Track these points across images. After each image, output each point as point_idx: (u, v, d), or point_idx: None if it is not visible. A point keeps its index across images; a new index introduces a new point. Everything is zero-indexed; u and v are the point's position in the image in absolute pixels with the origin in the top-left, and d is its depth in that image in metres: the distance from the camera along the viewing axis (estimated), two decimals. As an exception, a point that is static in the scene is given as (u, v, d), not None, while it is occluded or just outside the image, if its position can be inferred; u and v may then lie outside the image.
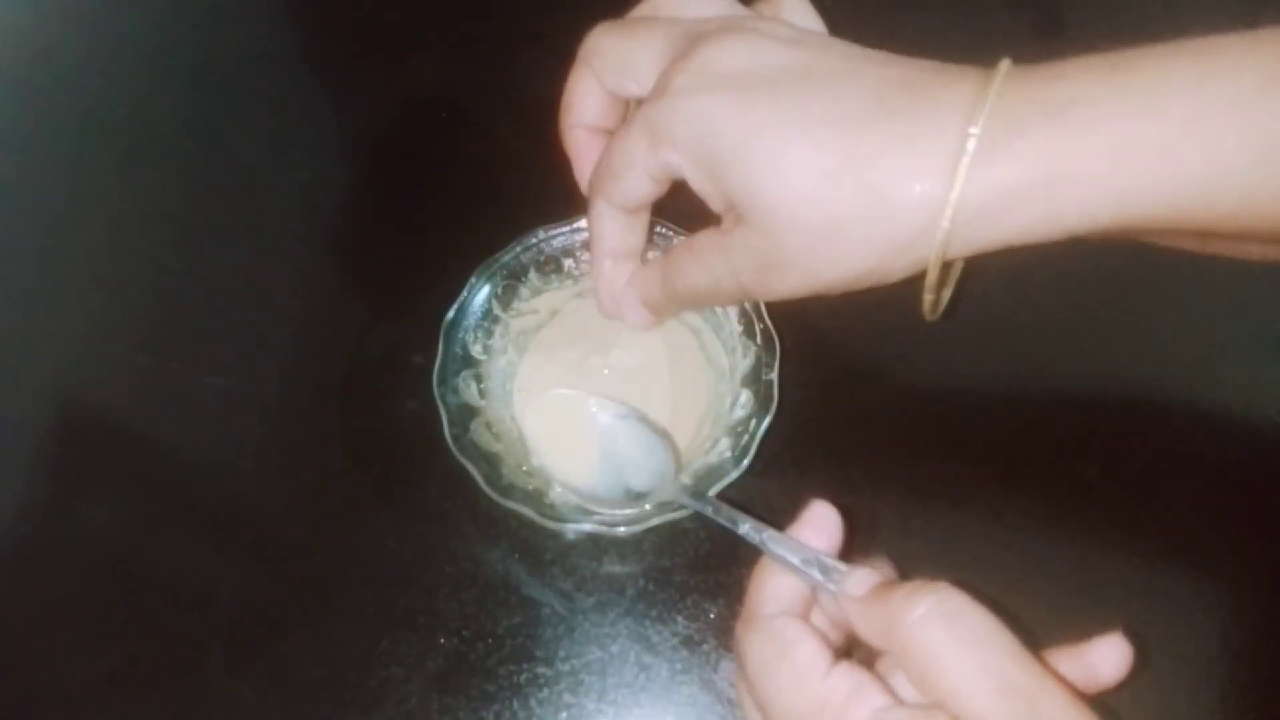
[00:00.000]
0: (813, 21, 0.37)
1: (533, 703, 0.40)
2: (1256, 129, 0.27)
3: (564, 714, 0.40)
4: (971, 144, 0.28)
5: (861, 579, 0.30)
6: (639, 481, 0.40)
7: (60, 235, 0.53)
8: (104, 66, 0.58)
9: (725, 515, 0.35)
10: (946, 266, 0.32)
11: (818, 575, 0.31)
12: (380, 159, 0.54)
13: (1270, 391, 0.46)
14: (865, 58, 0.33)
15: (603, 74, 0.36)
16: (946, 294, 0.34)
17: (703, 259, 0.34)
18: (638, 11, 0.38)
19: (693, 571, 0.42)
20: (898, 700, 0.27)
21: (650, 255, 0.41)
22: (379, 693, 0.40)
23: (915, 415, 0.45)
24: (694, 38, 0.34)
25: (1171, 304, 0.48)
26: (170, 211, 0.53)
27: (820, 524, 0.33)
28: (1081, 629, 0.41)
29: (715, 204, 0.34)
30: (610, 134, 0.38)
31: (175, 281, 0.51)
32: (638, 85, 0.35)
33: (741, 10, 0.36)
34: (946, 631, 0.27)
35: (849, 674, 0.28)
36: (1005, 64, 0.30)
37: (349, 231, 0.52)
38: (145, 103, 0.57)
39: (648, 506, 0.38)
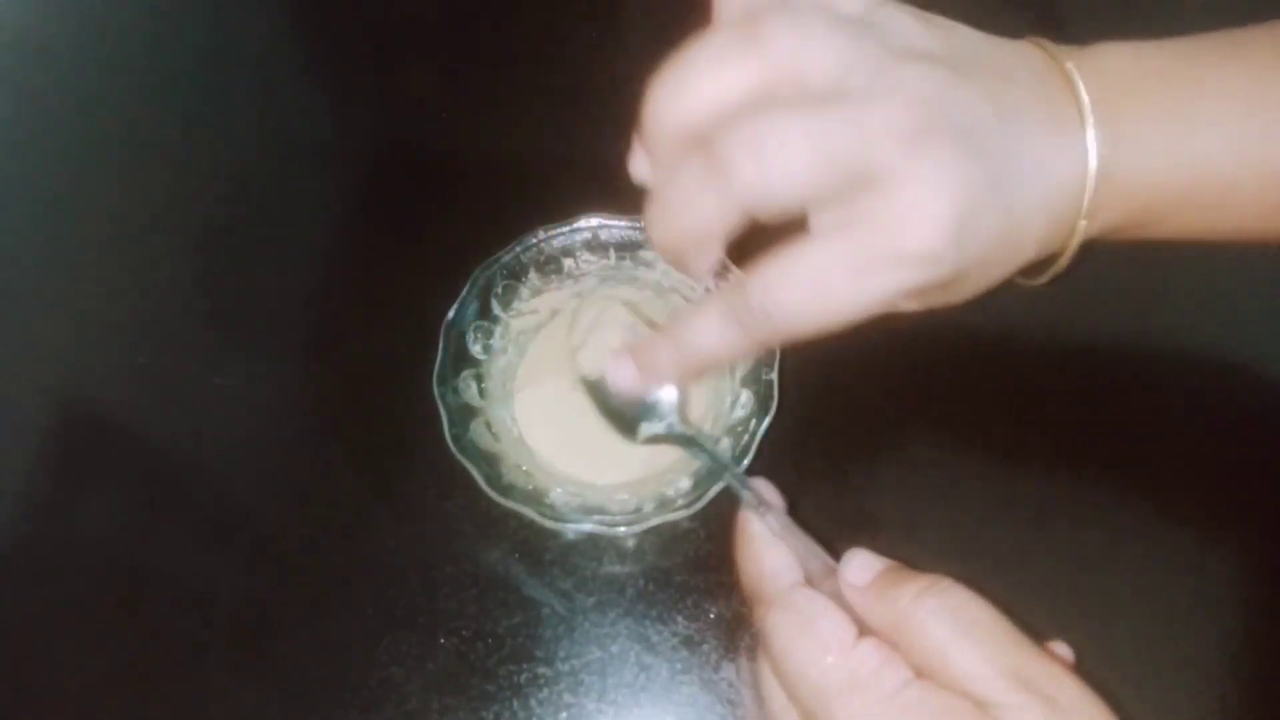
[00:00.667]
0: None
1: (533, 703, 0.40)
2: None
3: (564, 714, 0.40)
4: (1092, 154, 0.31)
5: (861, 567, 0.30)
6: (651, 426, 0.39)
7: (60, 235, 0.53)
8: (103, 67, 0.58)
9: (738, 477, 0.35)
10: None
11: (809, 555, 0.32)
12: (380, 159, 0.54)
13: (1273, 389, 0.46)
14: (973, 40, 0.33)
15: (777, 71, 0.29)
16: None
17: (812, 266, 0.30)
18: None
19: (693, 572, 0.42)
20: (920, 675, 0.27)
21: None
22: (379, 693, 0.40)
23: (916, 415, 0.45)
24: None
25: (1172, 304, 0.48)
26: (170, 212, 0.53)
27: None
28: (1082, 629, 0.41)
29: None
30: None
31: (175, 281, 0.51)
32: None
33: None
34: (953, 626, 0.27)
35: (877, 646, 0.28)
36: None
37: (349, 231, 0.52)
38: (145, 104, 0.57)
39: (650, 505, 0.38)
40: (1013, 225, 0.30)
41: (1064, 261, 0.34)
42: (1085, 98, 0.31)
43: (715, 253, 0.31)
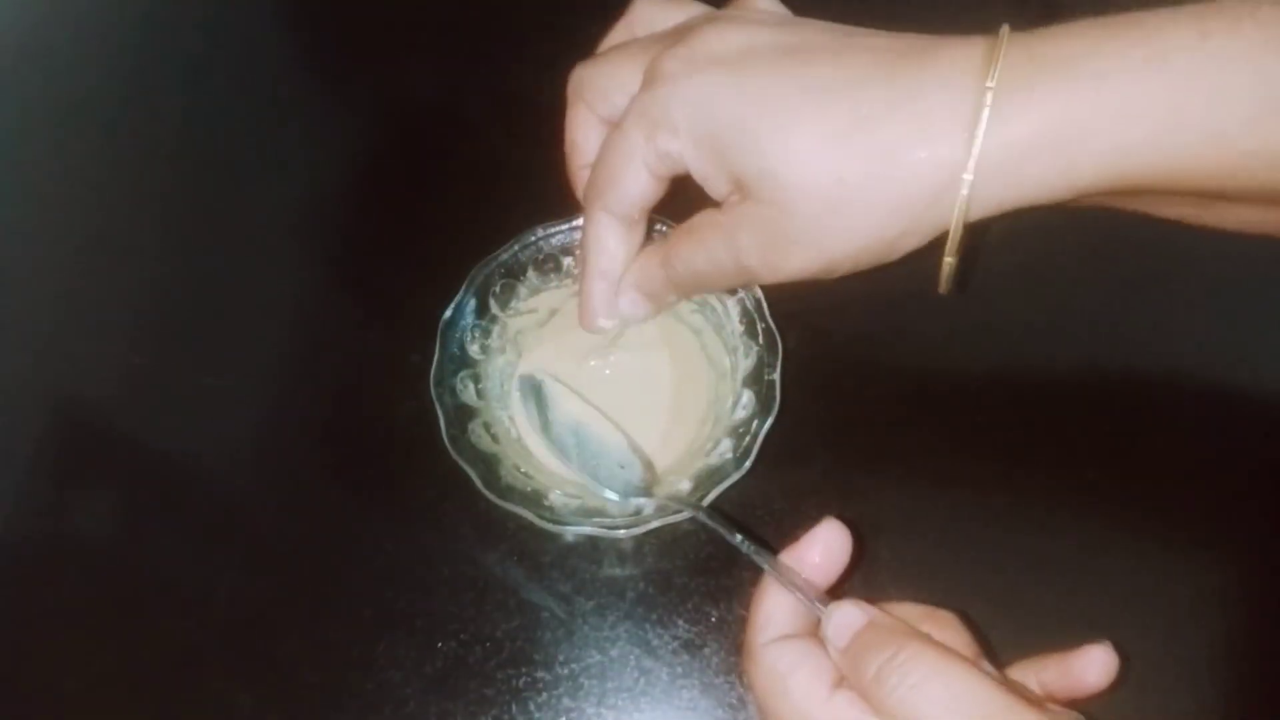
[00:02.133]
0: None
1: (531, 707, 0.40)
2: (1257, 85, 0.27)
3: (563, 718, 0.40)
4: (989, 97, 0.28)
5: (842, 627, 0.30)
6: (611, 485, 0.39)
7: (59, 235, 0.53)
8: (100, 67, 0.58)
9: (719, 522, 0.35)
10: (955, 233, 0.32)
11: (801, 597, 0.31)
12: (377, 158, 0.54)
13: (1274, 388, 0.45)
14: (862, 33, 0.32)
15: (595, 103, 0.36)
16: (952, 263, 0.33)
17: (704, 241, 0.34)
18: (611, 38, 0.38)
19: (693, 574, 0.42)
20: None
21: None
22: (376, 696, 0.40)
23: (918, 416, 0.45)
24: (679, 31, 0.33)
25: (1173, 304, 0.48)
26: (168, 212, 0.53)
27: (827, 545, 0.32)
28: (1082, 629, 0.41)
29: (718, 188, 0.33)
30: None
31: (173, 282, 0.51)
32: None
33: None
34: (915, 699, 0.27)
35: (847, 701, 0.29)
36: (1006, 28, 0.30)
37: (346, 231, 0.52)
38: (142, 103, 0.57)
39: (646, 509, 0.38)
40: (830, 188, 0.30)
41: (953, 243, 0.31)
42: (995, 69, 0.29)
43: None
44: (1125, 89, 0.28)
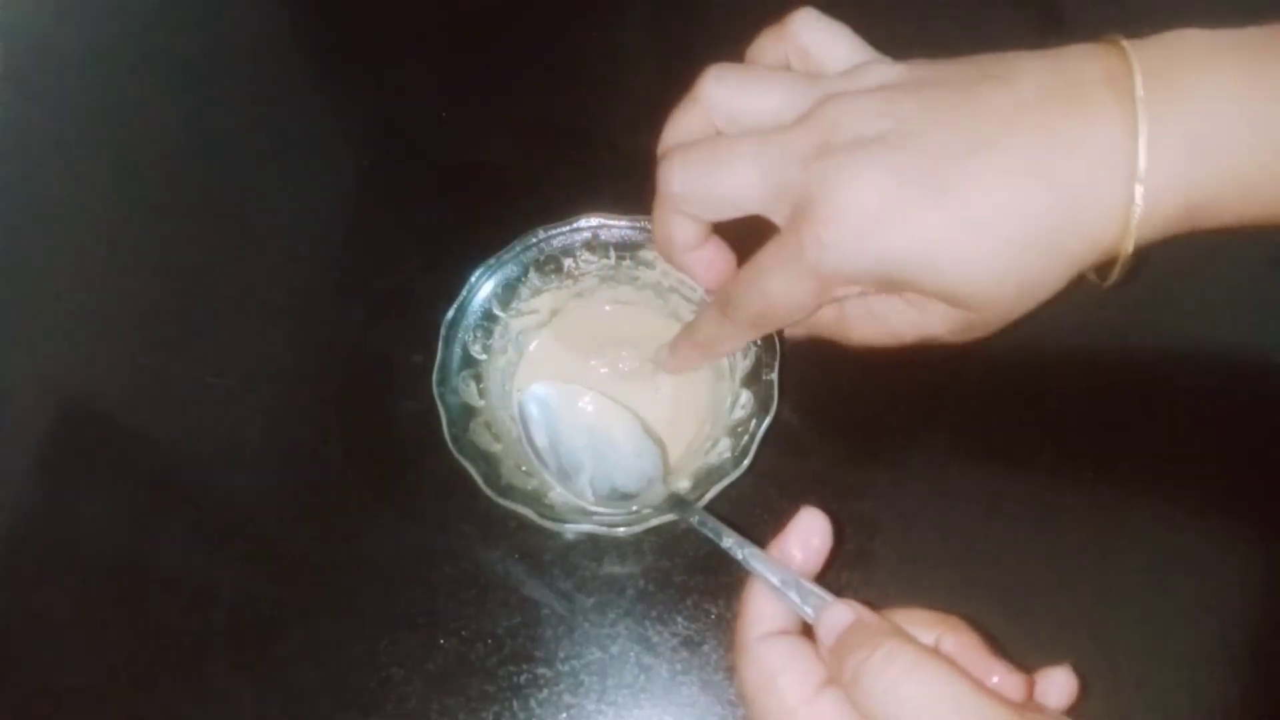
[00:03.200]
0: (837, 33, 0.37)
1: (532, 703, 0.40)
2: None
3: (564, 715, 0.40)
4: (1141, 137, 0.30)
5: (831, 626, 0.30)
6: (626, 482, 0.39)
7: (60, 236, 0.53)
8: (102, 68, 0.58)
9: (710, 528, 0.35)
10: None
11: (795, 598, 0.31)
12: (379, 159, 0.54)
13: (1275, 388, 0.45)
14: (978, 94, 0.33)
15: (716, 115, 0.36)
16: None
17: (901, 317, 0.36)
18: (758, 49, 0.38)
19: (693, 572, 0.42)
20: None
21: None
22: (379, 693, 0.40)
23: (916, 416, 0.45)
24: (814, 124, 0.34)
25: (1173, 302, 0.48)
26: (169, 212, 0.53)
27: (807, 534, 0.33)
28: (1081, 628, 0.41)
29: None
30: None
31: (175, 281, 0.51)
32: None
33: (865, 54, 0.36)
34: (892, 695, 0.28)
35: (833, 700, 0.29)
36: (1127, 45, 0.31)
37: (349, 231, 0.52)
38: (144, 103, 0.57)
39: (634, 509, 0.38)
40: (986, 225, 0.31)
41: (1124, 256, 0.32)
42: (1139, 90, 0.30)
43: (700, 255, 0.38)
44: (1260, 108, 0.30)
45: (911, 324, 0.36)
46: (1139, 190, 0.30)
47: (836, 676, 0.30)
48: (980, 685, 0.28)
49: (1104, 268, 0.33)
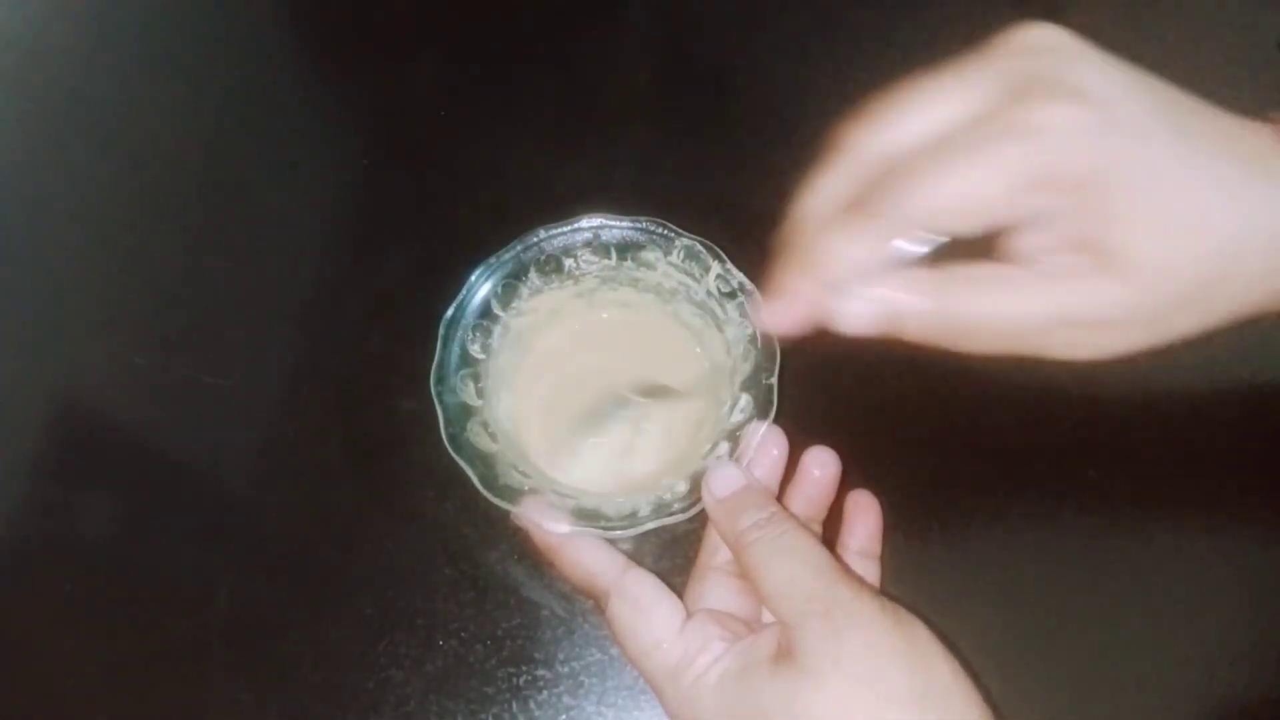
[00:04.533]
0: None
1: (532, 705, 0.40)
2: None
3: (563, 717, 0.40)
4: None
5: (722, 481, 0.35)
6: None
7: (59, 235, 0.53)
8: (100, 68, 0.58)
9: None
10: None
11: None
12: (379, 158, 0.54)
13: (1276, 388, 0.45)
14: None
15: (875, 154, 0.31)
16: None
17: (1017, 290, 0.30)
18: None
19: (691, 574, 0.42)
20: (732, 643, 0.33)
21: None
22: (377, 695, 0.40)
23: (916, 419, 0.45)
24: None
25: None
26: (169, 212, 0.53)
27: (767, 447, 0.38)
28: (1081, 628, 0.41)
29: (1044, 242, 0.30)
30: None
31: (174, 281, 0.51)
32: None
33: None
34: (766, 551, 0.33)
35: (697, 630, 0.33)
36: None
37: (348, 231, 0.52)
38: (144, 103, 0.57)
39: (642, 511, 0.38)
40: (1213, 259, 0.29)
41: None
42: None
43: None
44: None
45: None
46: None
47: (726, 525, 0.35)
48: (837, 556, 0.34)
49: None
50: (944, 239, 0.30)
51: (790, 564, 0.32)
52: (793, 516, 0.34)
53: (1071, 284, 0.30)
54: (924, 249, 0.30)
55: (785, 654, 0.31)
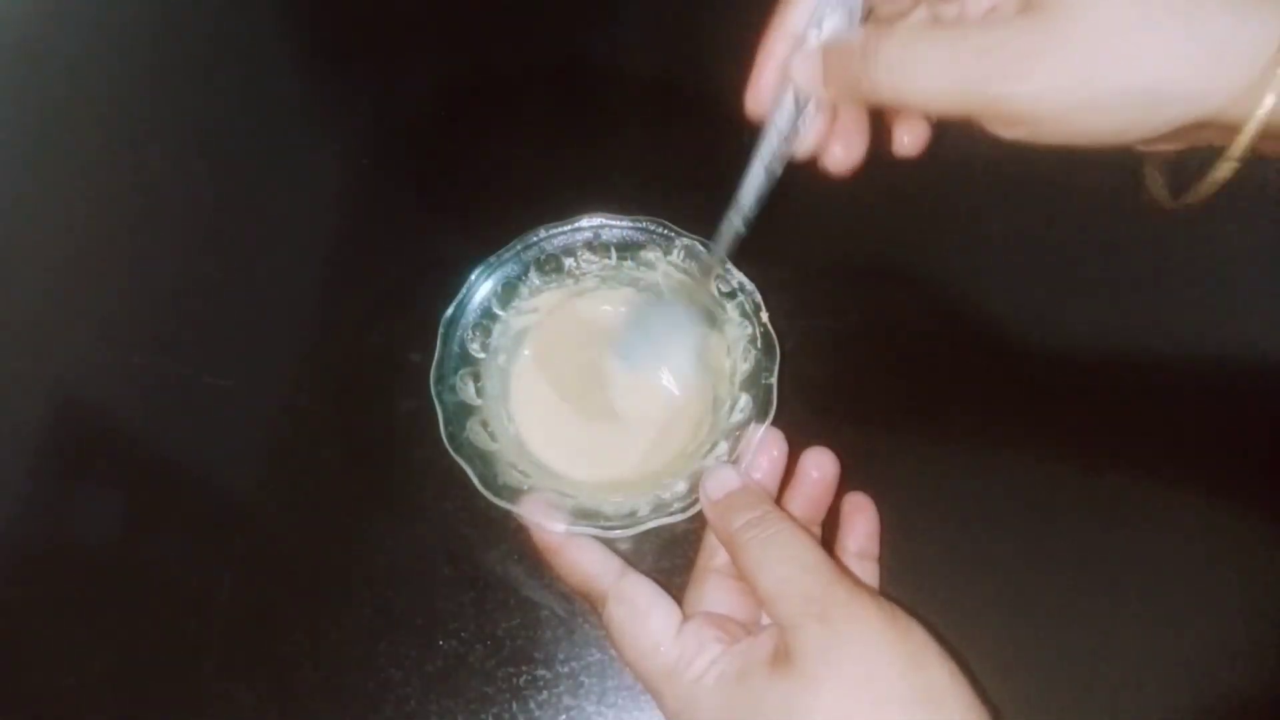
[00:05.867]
0: None
1: (532, 705, 0.40)
2: None
3: (563, 717, 0.40)
4: None
5: (717, 484, 0.36)
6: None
7: (59, 236, 0.53)
8: (100, 69, 0.58)
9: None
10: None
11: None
12: (380, 158, 0.54)
13: (1276, 388, 0.45)
14: None
15: None
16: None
17: (939, 39, 0.31)
18: None
19: (691, 574, 0.42)
20: (729, 645, 0.33)
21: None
22: (377, 695, 0.40)
23: (914, 419, 0.45)
24: None
25: (1175, 304, 0.48)
26: (169, 212, 0.53)
27: (768, 447, 0.39)
28: (1081, 628, 0.41)
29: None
30: None
31: (174, 282, 0.51)
32: None
33: None
34: (760, 552, 0.33)
35: (694, 633, 0.33)
36: None
37: (349, 231, 0.52)
38: (144, 104, 0.57)
39: (641, 510, 0.38)
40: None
41: (1246, 139, 0.29)
42: None
43: None
44: None
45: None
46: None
47: (721, 526, 0.35)
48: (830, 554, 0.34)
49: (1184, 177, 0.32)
50: None
51: (785, 565, 0.32)
52: (788, 516, 0.34)
53: (1002, 23, 0.30)
54: None
55: (782, 656, 0.31)
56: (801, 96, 0.34)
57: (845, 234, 0.49)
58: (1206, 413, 0.44)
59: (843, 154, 0.36)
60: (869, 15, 0.35)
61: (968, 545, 0.42)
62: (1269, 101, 0.28)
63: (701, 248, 0.42)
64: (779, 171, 0.36)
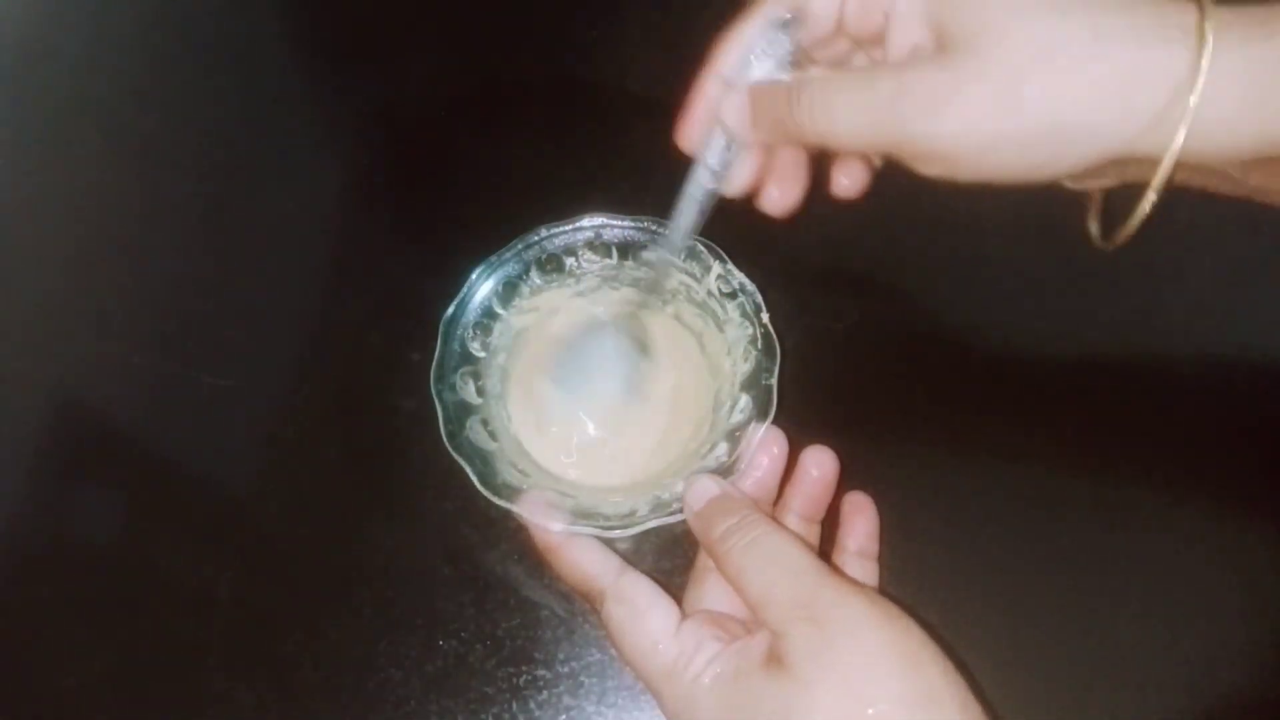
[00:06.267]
0: None
1: (532, 705, 0.40)
2: None
3: (563, 717, 0.40)
4: (1209, 33, 0.28)
5: (697, 495, 0.36)
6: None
7: (59, 236, 0.53)
8: (99, 68, 0.58)
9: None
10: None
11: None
12: (380, 157, 0.54)
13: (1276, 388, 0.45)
14: None
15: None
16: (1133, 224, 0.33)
17: (859, 83, 0.32)
18: None
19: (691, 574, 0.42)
20: (728, 644, 0.33)
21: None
22: (377, 695, 0.40)
23: (914, 419, 0.45)
24: None
25: (1175, 304, 0.48)
26: (167, 211, 0.53)
27: (768, 444, 0.39)
28: (1081, 627, 0.41)
29: (905, 32, 0.33)
30: None
31: (174, 281, 0.51)
32: None
33: None
34: (742, 558, 0.33)
35: (693, 631, 0.33)
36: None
37: (349, 230, 0.52)
38: (141, 104, 0.57)
39: (641, 510, 0.38)
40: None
41: (1161, 178, 0.30)
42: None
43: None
44: None
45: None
46: (1192, 100, 0.29)
47: (703, 536, 0.35)
48: (813, 550, 0.33)
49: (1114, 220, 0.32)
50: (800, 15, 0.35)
51: (770, 569, 0.32)
52: (769, 520, 0.34)
53: (916, 64, 0.32)
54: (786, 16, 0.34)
55: (776, 659, 0.31)
56: (730, 137, 0.36)
57: (846, 235, 0.49)
58: (1206, 413, 0.44)
59: (778, 195, 0.38)
60: (800, 61, 0.36)
61: (968, 545, 0.42)
62: (1181, 135, 0.29)
63: (702, 248, 0.42)
64: (709, 207, 0.38)
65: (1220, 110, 0.29)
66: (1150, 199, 0.31)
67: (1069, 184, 0.35)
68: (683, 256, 0.41)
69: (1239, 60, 0.29)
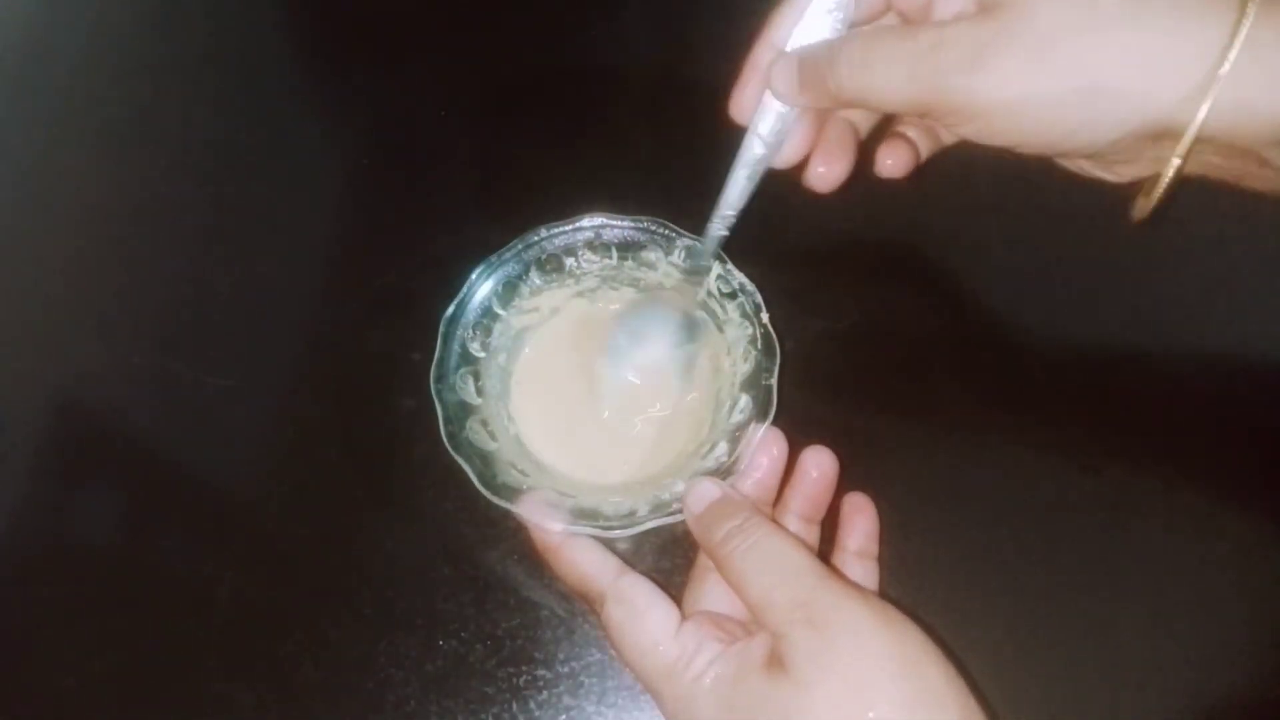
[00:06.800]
0: None
1: (532, 705, 0.40)
2: None
3: (563, 717, 0.40)
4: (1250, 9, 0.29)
5: (697, 498, 0.36)
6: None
7: (60, 236, 0.53)
8: (99, 68, 0.58)
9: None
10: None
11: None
12: (380, 157, 0.54)
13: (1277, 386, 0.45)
14: None
15: None
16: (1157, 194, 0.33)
17: (898, 36, 0.33)
18: None
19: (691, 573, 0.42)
20: (728, 645, 0.33)
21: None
22: (377, 695, 0.40)
23: (913, 419, 0.45)
24: None
25: (1176, 305, 0.48)
26: (169, 212, 0.53)
27: (767, 446, 0.39)
28: (1081, 627, 0.41)
29: (950, 7, 0.33)
30: None
31: (174, 281, 0.51)
32: None
33: None
34: (742, 562, 0.33)
35: (693, 632, 0.33)
36: None
37: (349, 230, 0.52)
38: (144, 104, 0.57)
39: (640, 511, 0.38)
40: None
41: (1185, 145, 0.30)
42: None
43: None
44: None
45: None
46: (1223, 71, 0.29)
47: (704, 539, 0.35)
48: (828, 565, 0.33)
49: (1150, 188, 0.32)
50: None
51: (769, 572, 0.32)
52: (769, 523, 0.34)
53: (957, 22, 0.32)
54: None
55: (775, 661, 0.31)
56: (780, 102, 0.36)
57: (846, 235, 0.49)
58: (1206, 413, 0.44)
59: (824, 171, 0.38)
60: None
61: (968, 545, 0.42)
62: (1208, 102, 0.29)
63: (701, 248, 0.42)
64: (759, 178, 0.37)
65: (1255, 83, 0.29)
66: (1174, 164, 0.31)
67: (1107, 176, 0.35)
68: (730, 228, 0.40)
69: (1277, 35, 0.29)
